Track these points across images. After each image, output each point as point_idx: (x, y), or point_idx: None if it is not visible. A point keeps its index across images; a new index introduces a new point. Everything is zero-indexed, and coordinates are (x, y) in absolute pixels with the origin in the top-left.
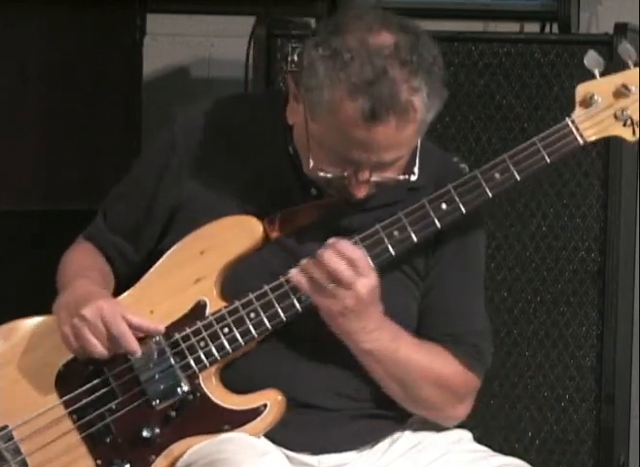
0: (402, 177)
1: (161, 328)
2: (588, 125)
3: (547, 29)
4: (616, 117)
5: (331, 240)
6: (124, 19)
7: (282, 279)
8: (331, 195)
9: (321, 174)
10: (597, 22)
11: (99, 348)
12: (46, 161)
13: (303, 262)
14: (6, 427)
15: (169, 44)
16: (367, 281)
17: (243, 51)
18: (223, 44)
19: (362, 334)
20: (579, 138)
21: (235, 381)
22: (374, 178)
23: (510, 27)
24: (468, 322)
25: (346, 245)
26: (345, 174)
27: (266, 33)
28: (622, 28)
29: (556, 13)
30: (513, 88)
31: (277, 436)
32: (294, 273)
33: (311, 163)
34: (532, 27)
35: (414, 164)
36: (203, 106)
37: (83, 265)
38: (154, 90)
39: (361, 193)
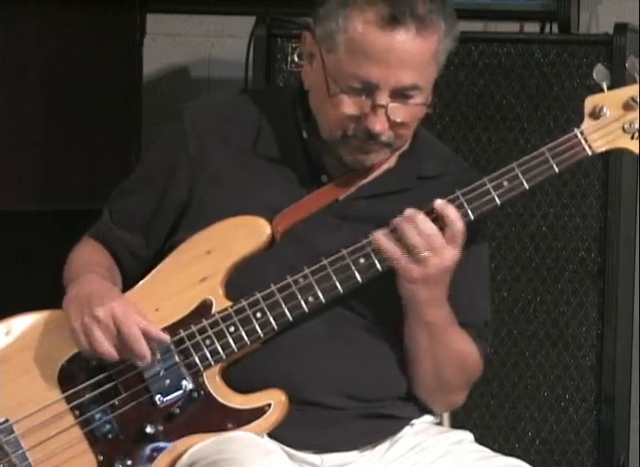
0: (419, 103)
1: (167, 339)
2: (597, 136)
3: (547, 29)
4: (624, 129)
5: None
6: (124, 19)
7: (289, 279)
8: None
9: (342, 109)
10: (597, 22)
11: (107, 348)
12: (46, 160)
13: (394, 222)
14: (7, 421)
15: (169, 44)
16: (454, 253)
17: (243, 51)
18: (223, 44)
19: (430, 305)
20: (587, 149)
21: (242, 377)
22: (395, 105)
23: (510, 27)
24: (481, 311)
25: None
26: (363, 97)
27: (267, 33)
28: (622, 28)
29: (556, 13)
30: (513, 88)
31: (281, 434)
32: (379, 236)
33: (332, 89)
34: (532, 27)
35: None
36: (209, 100)
37: (90, 261)
38: (154, 90)
39: (379, 124)
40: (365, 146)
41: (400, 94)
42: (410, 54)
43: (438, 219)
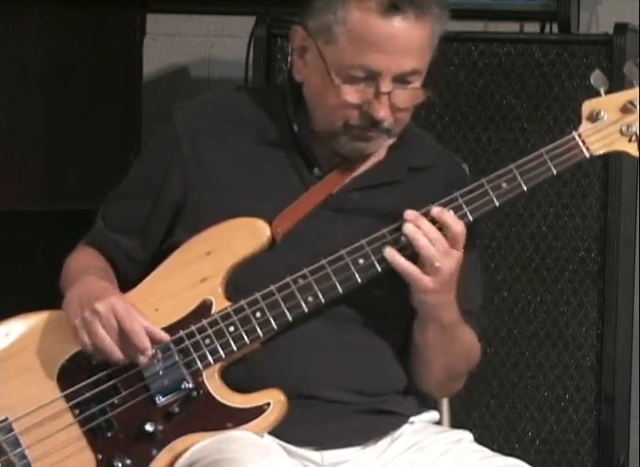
0: (418, 86)
1: (167, 338)
2: (595, 139)
3: (547, 29)
4: (621, 132)
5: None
6: (124, 19)
7: (289, 279)
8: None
9: (345, 98)
10: (597, 22)
11: (109, 343)
12: (46, 160)
13: (409, 238)
14: (6, 420)
15: (169, 44)
16: (459, 254)
17: (243, 51)
18: (223, 44)
19: (442, 308)
20: (585, 152)
21: (242, 376)
22: (396, 92)
23: (510, 27)
24: (476, 298)
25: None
26: (364, 85)
27: (267, 33)
28: (622, 28)
29: (556, 13)
30: (513, 88)
31: (281, 430)
32: (391, 254)
33: (335, 80)
34: (532, 27)
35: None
36: (200, 99)
37: (87, 264)
38: (154, 90)
39: (382, 111)
40: (366, 133)
41: (400, 80)
42: (411, 41)
43: (434, 222)
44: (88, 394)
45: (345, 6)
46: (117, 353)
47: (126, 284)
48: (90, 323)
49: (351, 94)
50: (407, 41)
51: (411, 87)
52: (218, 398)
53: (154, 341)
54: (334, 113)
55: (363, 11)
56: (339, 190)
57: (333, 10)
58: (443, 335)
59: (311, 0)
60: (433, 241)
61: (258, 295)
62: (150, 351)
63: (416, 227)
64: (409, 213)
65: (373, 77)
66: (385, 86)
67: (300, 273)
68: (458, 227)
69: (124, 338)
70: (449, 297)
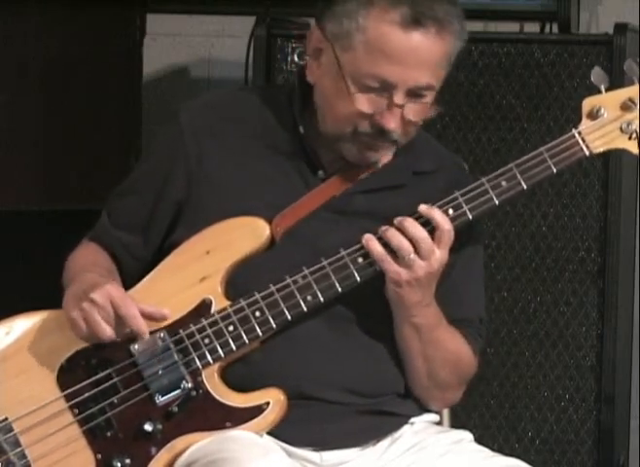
0: (429, 101)
1: (168, 313)
2: (595, 136)
3: (547, 29)
4: (622, 130)
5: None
6: (124, 19)
7: (289, 279)
8: (339, 169)
9: (357, 107)
10: (597, 22)
11: (108, 331)
12: (46, 160)
13: (382, 229)
14: (6, 419)
15: (169, 44)
16: (442, 255)
17: (243, 51)
18: (223, 44)
19: (418, 307)
20: (585, 149)
21: (241, 376)
22: (408, 105)
23: (510, 27)
24: (476, 307)
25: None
26: (377, 95)
27: (267, 33)
28: (622, 28)
29: (556, 13)
30: (513, 88)
31: (281, 431)
32: (367, 239)
33: (351, 89)
34: (532, 27)
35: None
36: (205, 99)
37: (89, 261)
38: (154, 90)
39: (393, 122)
40: (374, 142)
41: (414, 94)
42: (429, 55)
43: (429, 222)
44: (87, 394)
45: (367, 15)
46: (114, 338)
47: (128, 280)
48: (88, 313)
49: (364, 104)
50: (425, 55)
51: (424, 101)
52: (217, 397)
53: (157, 319)
54: (344, 119)
55: (385, 22)
56: (343, 192)
57: (354, 17)
58: (418, 336)
59: (312, 0)
60: (409, 238)
61: (258, 295)
62: (147, 335)
63: (395, 225)
64: (397, 219)
65: (387, 88)
66: (399, 98)
67: (300, 274)
68: (446, 225)
69: (122, 324)
70: (425, 296)
